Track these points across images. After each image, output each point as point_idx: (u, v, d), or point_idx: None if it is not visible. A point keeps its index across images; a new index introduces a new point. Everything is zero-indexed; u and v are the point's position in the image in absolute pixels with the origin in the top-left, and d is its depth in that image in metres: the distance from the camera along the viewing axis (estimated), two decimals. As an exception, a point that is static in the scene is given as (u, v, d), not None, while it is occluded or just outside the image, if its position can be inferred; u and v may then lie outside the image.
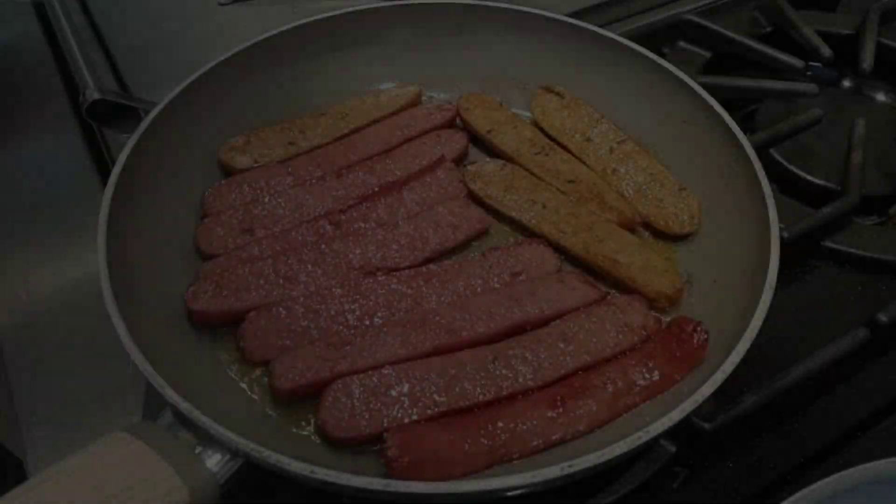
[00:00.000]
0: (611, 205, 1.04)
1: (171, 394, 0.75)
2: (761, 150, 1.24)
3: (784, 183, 1.27)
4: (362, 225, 1.02)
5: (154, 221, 0.99)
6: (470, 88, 1.23)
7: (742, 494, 0.90)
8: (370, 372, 0.86)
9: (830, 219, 1.10)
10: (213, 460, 0.73)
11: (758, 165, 0.96)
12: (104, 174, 1.21)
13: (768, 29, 1.47)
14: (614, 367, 0.88)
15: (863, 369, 1.01)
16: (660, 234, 1.04)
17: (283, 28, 1.15)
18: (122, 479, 0.68)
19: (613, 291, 0.98)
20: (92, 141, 1.29)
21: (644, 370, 0.87)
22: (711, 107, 1.04)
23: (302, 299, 0.93)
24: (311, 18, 1.17)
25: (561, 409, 0.84)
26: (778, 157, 1.27)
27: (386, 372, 0.85)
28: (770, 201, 0.92)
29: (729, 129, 1.01)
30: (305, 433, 0.85)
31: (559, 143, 1.13)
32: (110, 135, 1.27)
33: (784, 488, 0.90)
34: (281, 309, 0.92)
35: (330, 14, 1.18)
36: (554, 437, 0.83)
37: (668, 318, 0.95)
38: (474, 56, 1.23)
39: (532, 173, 1.09)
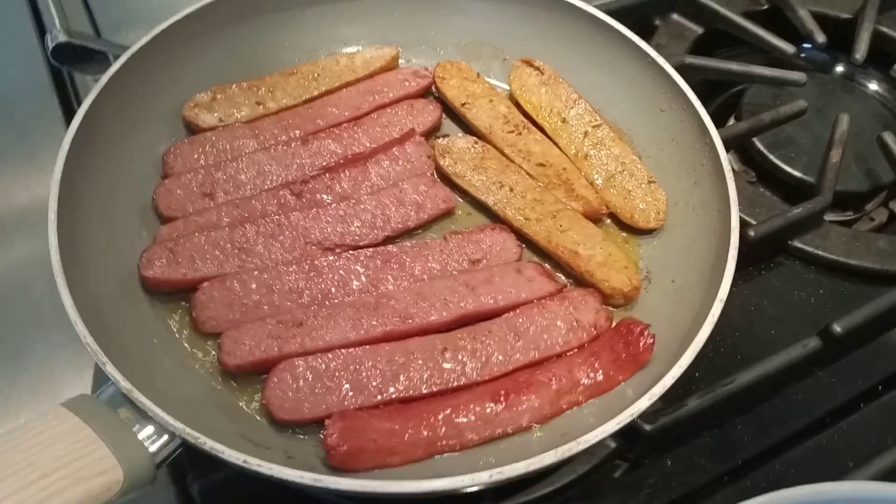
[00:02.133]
0: (578, 193, 1.03)
1: (111, 370, 0.75)
2: (743, 138, 1.23)
3: (763, 171, 1.25)
4: (324, 197, 1.00)
5: (113, 176, 0.97)
6: (450, 54, 1.20)
7: (678, 492, 0.92)
8: (318, 355, 0.86)
9: (799, 219, 1.09)
10: (151, 440, 0.74)
11: (727, 167, 0.95)
12: (69, 115, 1.18)
13: (765, 6, 1.42)
14: (560, 364, 0.88)
15: (810, 375, 1.02)
16: (625, 226, 1.03)
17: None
18: (57, 456, 0.69)
19: (570, 283, 0.98)
20: (60, 81, 1.26)
21: (589, 369, 0.87)
22: (689, 99, 1.01)
23: (256, 273, 0.92)
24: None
25: (504, 404, 0.85)
26: (760, 146, 1.25)
27: (333, 356, 0.86)
28: (734, 209, 0.91)
29: (703, 125, 0.99)
30: (250, 411, 0.86)
31: (534, 122, 1.11)
32: (79, 76, 1.24)
33: (719, 490, 0.93)
34: (234, 281, 0.91)
35: (308, -34, 1.13)
36: (495, 432, 0.84)
37: (626, 314, 0.95)
38: (457, 21, 1.19)
39: (503, 153, 1.07)
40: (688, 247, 0.97)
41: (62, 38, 1.12)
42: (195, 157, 1.03)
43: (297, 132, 1.06)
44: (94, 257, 0.89)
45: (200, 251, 0.93)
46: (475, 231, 0.99)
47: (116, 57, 1.03)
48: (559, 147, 1.08)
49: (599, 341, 0.90)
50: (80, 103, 0.97)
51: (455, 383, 0.86)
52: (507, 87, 1.16)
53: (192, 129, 1.07)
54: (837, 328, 0.98)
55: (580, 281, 0.97)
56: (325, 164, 1.03)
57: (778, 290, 1.10)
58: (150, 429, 0.74)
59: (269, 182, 1.01)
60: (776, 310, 1.08)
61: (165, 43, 1.04)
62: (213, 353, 0.89)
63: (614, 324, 0.93)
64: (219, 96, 1.08)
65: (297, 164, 1.03)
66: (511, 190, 1.02)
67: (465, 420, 0.83)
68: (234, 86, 1.09)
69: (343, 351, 0.86)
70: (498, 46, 1.19)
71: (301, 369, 0.85)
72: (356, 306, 0.90)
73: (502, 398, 0.85)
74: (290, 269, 0.93)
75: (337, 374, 0.85)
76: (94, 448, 0.71)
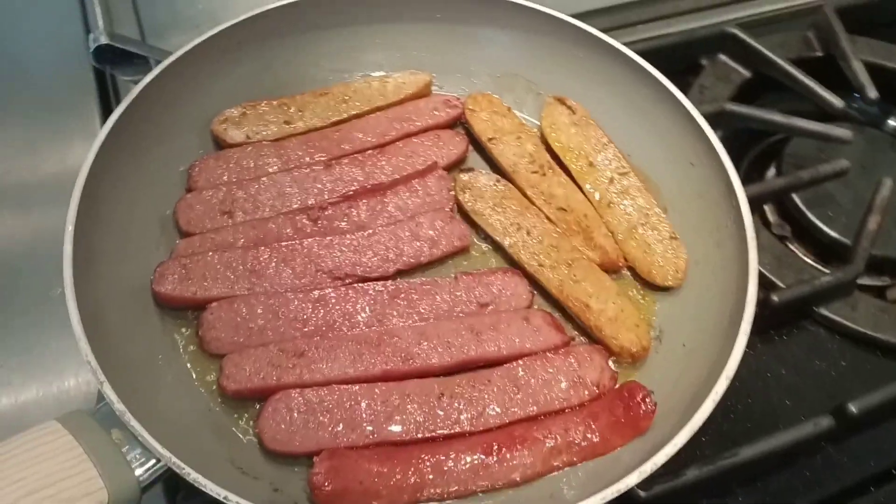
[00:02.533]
0: (597, 242, 1.01)
1: (108, 391, 0.76)
2: (780, 194, 1.19)
3: (799, 227, 1.21)
4: (340, 224, 1.00)
5: (137, 183, 0.98)
6: (484, 84, 1.18)
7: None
8: (315, 388, 0.86)
9: (827, 288, 1.05)
10: (139, 462, 0.76)
11: (751, 234, 0.91)
12: (107, 113, 1.21)
13: (818, 54, 1.37)
14: (557, 421, 0.87)
15: (821, 450, 0.98)
16: (643, 279, 1.01)
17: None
18: (46, 474, 0.71)
19: (578, 337, 0.96)
20: (101, 79, 1.28)
21: (586, 430, 0.86)
22: (719, 156, 0.98)
23: (264, 298, 0.93)
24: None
25: (496, 458, 0.84)
26: (797, 201, 1.21)
27: (329, 391, 0.86)
28: (753, 280, 0.88)
29: (731, 185, 0.96)
30: (244, 437, 0.87)
31: (560, 163, 1.09)
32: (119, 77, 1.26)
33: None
34: (242, 304, 0.92)
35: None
36: (482, 485, 0.83)
37: (633, 373, 0.93)
38: (492, 51, 1.18)
39: (524, 194, 1.05)
40: (703, 310, 0.94)
41: (104, 40, 1.15)
42: (219, 172, 1.04)
43: (322, 156, 1.07)
44: (107, 265, 0.90)
45: (213, 270, 0.94)
46: (487, 273, 0.98)
47: (157, 62, 1.05)
48: (583, 192, 1.06)
49: (600, 402, 0.88)
50: (118, 103, 1.00)
51: (448, 431, 0.85)
52: (538, 123, 1.15)
53: (220, 144, 1.08)
54: (853, 408, 0.95)
55: (589, 335, 0.96)
56: (345, 190, 1.03)
57: (797, 358, 1.06)
58: (139, 451, 0.76)
59: (287, 205, 1.02)
60: (793, 378, 1.04)
61: (203, 54, 1.05)
62: (215, 374, 0.90)
63: (619, 384, 0.91)
64: (248, 112, 1.09)
65: (317, 188, 1.03)
66: (528, 233, 1.01)
67: (453, 470, 0.83)
68: (264, 103, 1.10)
69: (340, 387, 0.86)
70: (532, 80, 1.17)
71: (296, 401, 0.85)
72: (359, 341, 0.90)
73: (494, 452, 0.84)
74: (298, 297, 0.93)
75: (331, 409, 0.85)
76: (82, 469, 0.72)
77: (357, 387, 0.87)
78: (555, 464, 0.84)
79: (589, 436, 0.85)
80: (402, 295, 0.95)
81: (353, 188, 1.04)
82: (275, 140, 1.08)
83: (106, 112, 1.24)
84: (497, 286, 0.97)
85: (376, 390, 0.87)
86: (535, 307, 0.98)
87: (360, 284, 0.95)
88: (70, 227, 0.86)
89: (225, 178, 1.04)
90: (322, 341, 0.90)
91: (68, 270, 0.83)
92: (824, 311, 1.07)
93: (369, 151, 1.08)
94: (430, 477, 0.82)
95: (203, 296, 0.93)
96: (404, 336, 0.91)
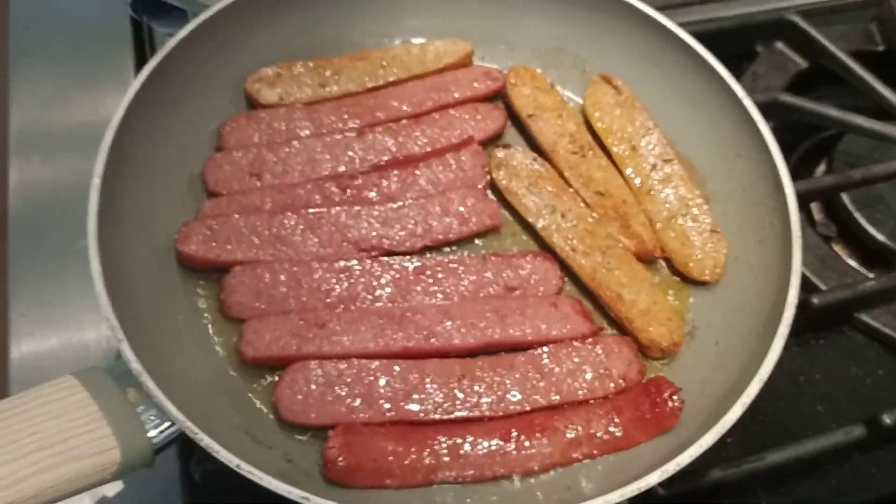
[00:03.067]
0: (634, 230, 0.97)
1: (126, 349, 0.75)
2: (828, 193, 1.14)
3: (845, 228, 1.16)
4: (370, 195, 0.98)
5: (167, 139, 0.96)
6: (527, 58, 1.14)
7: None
8: (334, 361, 0.84)
9: (871, 293, 1.00)
10: (153, 424, 0.74)
11: (797, 234, 0.87)
12: (140, 64, 1.19)
13: (880, 48, 1.30)
14: (580, 412, 0.84)
15: (850, 460, 0.95)
16: (678, 272, 0.97)
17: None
18: (59, 430, 0.70)
19: (607, 327, 0.93)
20: (138, 29, 1.26)
21: (609, 424, 0.83)
22: (769, 149, 0.93)
23: (288, 265, 0.91)
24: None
25: (514, 445, 0.82)
26: (845, 200, 1.16)
27: (349, 365, 0.84)
28: (794, 283, 0.84)
29: (780, 181, 0.92)
30: (259, 404, 0.86)
31: (601, 145, 1.05)
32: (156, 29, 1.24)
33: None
34: (265, 270, 0.90)
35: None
36: (498, 472, 0.81)
37: (662, 368, 0.90)
38: (538, 24, 1.13)
39: (562, 175, 1.01)
40: (739, 309, 0.91)
41: (140, -10, 1.12)
42: (250, 133, 1.01)
43: (355, 122, 1.04)
44: (132, 221, 0.88)
45: (238, 234, 0.92)
46: (517, 256, 0.95)
47: (194, 15, 1.03)
48: (623, 177, 1.02)
49: (625, 396, 0.85)
50: (153, 55, 0.98)
51: (467, 414, 0.83)
52: (581, 102, 1.10)
53: (253, 104, 1.05)
54: (888, 419, 0.91)
55: (619, 326, 0.93)
56: (376, 160, 1.01)
57: (834, 364, 1.02)
58: (154, 413, 0.75)
59: (317, 171, 0.99)
60: (827, 385, 1.00)
61: (241, 10, 1.02)
62: (235, 339, 0.88)
63: (646, 378, 0.88)
64: (283, 73, 1.06)
65: (348, 156, 1.00)
66: (563, 216, 0.97)
67: (470, 454, 0.81)
68: (299, 64, 1.07)
69: (359, 362, 0.85)
70: (579, 56, 1.13)
71: (315, 373, 0.83)
72: (381, 315, 0.88)
73: (513, 439, 0.82)
74: (322, 266, 0.91)
75: (350, 384, 0.83)
76: (95, 427, 0.71)
77: (377, 362, 0.85)
78: (574, 455, 0.82)
79: (612, 429, 0.83)
80: (428, 272, 0.92)
81: (385, 158, 1.01)
82: (308, 103, 1.05)
83: (140, 64, 1.21)
84: (527, 270, 0.94)
85: (396, 367, 0.85)
86: (565, 294, 0.94)
87: (386, 258, 0.93)
88: (97, 180, 0.84)
89: (256, 139, 1.01)
90: (344, 313, 0.88)
91: (92, 224, 0.82)
92: (865, 318, 1.03)
93: (404, 121, 1.04)
94: (446, 459, 0.80)
95: (226, 258, 0.91)
96: (428, 314, 0.89)
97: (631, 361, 0.88)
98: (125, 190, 0.88)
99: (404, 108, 1.05)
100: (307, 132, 1.02)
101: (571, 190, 1.00)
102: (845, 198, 1.16)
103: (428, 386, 0.84)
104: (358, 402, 0.83)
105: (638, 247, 0.96)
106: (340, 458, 0.78)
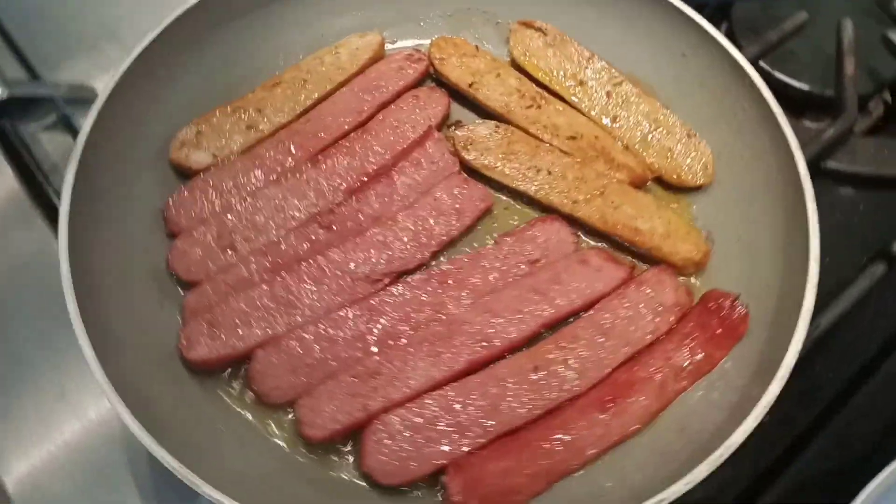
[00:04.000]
0: (619, 162, 0.96)
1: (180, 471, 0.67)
2: (755, 63, 1.17)
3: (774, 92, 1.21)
4: (355, 222, 0.91)
5: (117, 242, 0.86)
6: (437, 28, 1.09)
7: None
8: (410, 406, 0.79)
9: (835, 141, 1.06)
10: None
11: (777, 108, 0.89)
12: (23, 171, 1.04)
13: None
14: (655, 354, 0.84)
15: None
16: (670, 186, 0.98)
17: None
18: None
19: (637, 263, 0.93)
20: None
21: (687, 353, 0.84)
22: (717, 41, 0.95)
23: (311, 327, 0.83)
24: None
25: (613, 411, 0.81)
26: (763, 65, 1.20)
27: (426, 403, 0.79)
28: (797, 152, 0.86)
29: (739, 67, 0.93)
30: (346, 476, 0.79)
31: (549, 90, 1.02)
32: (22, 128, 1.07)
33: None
34: (290, 342, 0.83)
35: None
36: (611, 441, 0.80)
37: (698, 283, 0.91)
38: (436, -13, 1.08)
39: (528, 132, 0.98)
40: (746, 200, 0.92)
41: (2, 94, 0.96)
42: (198, 206, 0.91)
43: (302, 152, 0.95)
44: (122, 343, 0.79)
45: (242, 316, 0.83)
46: (526, 228, 0.92)
47: (67, 100, 0.90)
48: (583, 114, 1.00)
49: (689, 321, 0.85)
50: (29, 154, 0.85)
51: (556, 402, 0.81)
52: (507, 56, 1.07)
53: (185, 174, 0.94)
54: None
55: (643, 257, 0.92)
56: (343, 184, 0.93)
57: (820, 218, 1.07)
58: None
59: (290, 218, 0.91)
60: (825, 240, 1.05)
61: (135, 80, 0.90)
62: (287, 423, 0.81)
63: (696, 296, 0.89)
64: (204, 128, 0.95)
65: (314, 190, 0.92)
66: (549, 173, 0.95)
67: (579, 439, 0.79)
68: (217, 112, 0.97)
69: (435, 394, 0.80)
70: (488, 11, 1.09)
71: (396, 426, 0.78)
72: (430, 340, 0.83)
73: (610, 405, 0.81)
74: (347, 314, 0.84)
75: (435, 421, 0.78)
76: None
77: (450, 388, 0.80)
78: (670, 395, 0.82)
79: (693, 357, 0.83)
80: (451, 277, 0.88)
81: (352, 178, 0.94)
82: (244, 150, 0.95)
83: (21, 170, 1.05)
84: (541, 238, 0.91)
85: (470, 386, 0.81)
86: (584, 247, 0.93)
87: (406, 281, 0.87)
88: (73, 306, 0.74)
89: (208, 209, 0.91)
90: (392, 353, 0.82)
91: (94, 364, 0.72)
92: (832, 165, 1.08)
93: (352, 135, 0.97)
94: (560, 454, 0.78)
95: (242, 348, 0.82)
96: (472, 319, 0.85)
97: (676, 287, 0.88)
98: (104, 315, 0.78)
99: (344, 120, 0.98)
100: (260, 181, 0.93)
101: (544, 144, 0.98)
102: (763, 63, 1.20)
103: (508, 392, 0.80)
104: (451, 434, 0.78)
105: (630, 175, 0.96)
106: (469, 499, 0.73)
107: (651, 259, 0.92)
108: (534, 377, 0.81)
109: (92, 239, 0.82)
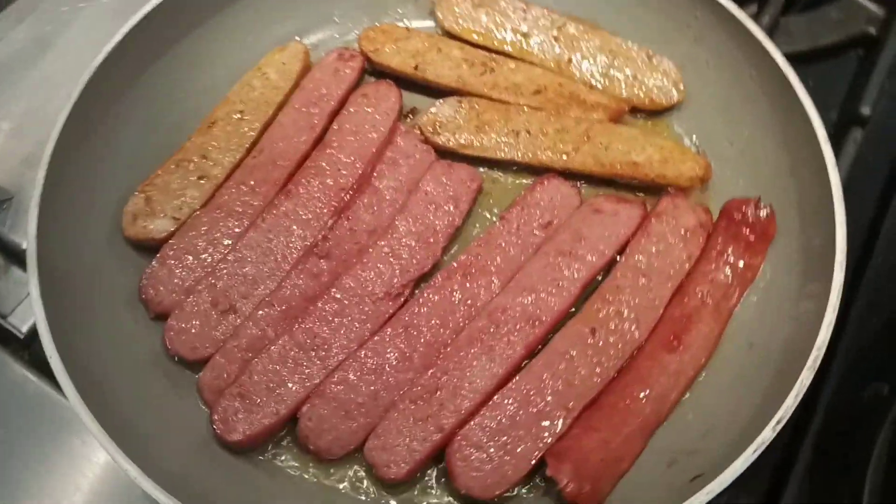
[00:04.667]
0: (591, 102, 0.93)
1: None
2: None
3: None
4: (354, 243, 0.84)
5: (104, 338, 0.77)
6: (353, 18, 1.02)
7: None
8: (483, 412, 0.74)
9: (771, 26, 1.06)
10: None
11: (733, 6, 0.88)
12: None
13: None
14: (699, 279, 0.82)
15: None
16: (646, 113, 0.95)
17: (118, 38, 0.85)
18: None
19: (642, 195, 0.90)
20: None
21: (727, 268, 0.82)
22: (650, -46, 0.93)
23: (350, 363, 0.76)
24: (139, 17, 0.87)
25: (679, 348, 0.78)
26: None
27: (500, 402, 0.74)
28: (768, 44, 0.85)
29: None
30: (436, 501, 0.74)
31: (495, 51, 0.98)
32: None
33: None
34: (334, 387, 0.75)
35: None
36: (688, 378, 0.77)
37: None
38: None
39: (491, 99, 0.94)
40: (723, 104, 0.92)
41: None
42: (177, 278, 0.81)
43: (266, 187, 0.87)
44: (150, 438, 0.71)
45: (273, 376, 0.75)
46: (526, 195, 0.87)
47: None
48: (538, 65, 0.96)
49: (718, 238, 0.83)
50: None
51: (622, 357, 0.77)
52: (434, 28, 1.01)
53: (150, 246, 0.84)
54: (866, 110, 0.98)
55: (647, 189, 0.90)
56: (325, 207, 0.86)
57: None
58: None
59: (283, 258, 0.83)
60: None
61: (61, 167, 0.79)
62: (351, 473, 0.75)
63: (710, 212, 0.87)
64: (152, 193, 0.85)
65: (297, 222, 0.84)
66: (529, 133, 0.90)
67: (657, 386, 0.76)
68: (159, 173, 0.87)
69: (505, 390, 0.75)
70: (399, -16, 1.03)
71: (478, 435, 0.72)
72: (478, 338, 0.78)
73: (675, 343, 0.78)
74: (384, 341, 0.78)
75: (515, 417, 0.73)
76: None
77: (522, 383, 0.75)
78: (725, 314, 0.80)
79: (734, 270, 0.82)
80: (471, 268, 0.82)
81: (333, 198, 0.86)
82: (205, 203, 0.86)
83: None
84: (544, 200, 0.87)
85: (537, 372, 0.76)
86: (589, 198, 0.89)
87: (426, 285, 0.81)
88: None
89: (191, 276, 0.82)
90: (446, 364, 0.76)
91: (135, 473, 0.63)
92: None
93: (313, 153, 0.89)
94: (647, 408, 0.75)
95: (287, 408, 0.75)
96: (511, 303, 0.80)
97: (693, 208, 0.86)
98: (121, 418, 0.69)
99: (301, 140, 0.90)
100: (234, 231, 0.84)
101: (512, 105, 0.93)
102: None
103: (578, 366, 0.76)
104: (537, 427, 0.73)
105: (606, 113, 0.93)
106: (582, 485, 0.69)
107: (655, 189, 0.89)
108: (593, 340, 0.78)
109: (78, 344, 0.72)
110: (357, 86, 0.96)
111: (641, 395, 0.75)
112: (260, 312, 0.79)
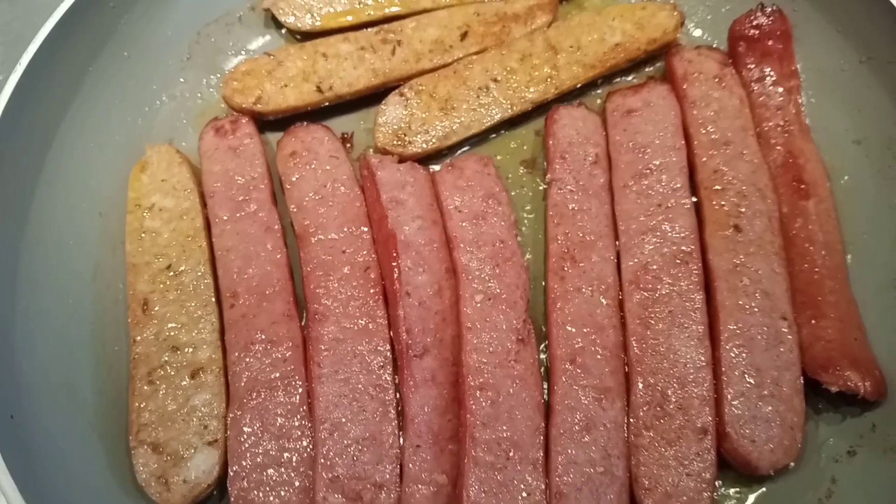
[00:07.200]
0: (520, 9, 0.78)
1: None
2: None
3: None
4: (436, 314, 0.63)
5: None
6: (190, 81, 0.77)
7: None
8: (726, 389, 0.60)
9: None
10: None
11: None
12: None
13: None
14: (764, 112, 0.73)
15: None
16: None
17: None
18: None
19: (641, 73, 0.78)
20: None
21: (778, 87, 0.74)
22: None
23: (567, 447, 0.58)
24: None
25: (804, 189, 0.69)
26: None
27: (730, 361, 0.61)
28: None
29: None
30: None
31: (380, 21, 0.78)
32: None
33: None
34: (559, 479, 0.57)
35: None
36: (834, 219, 0.69)
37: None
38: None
39: (424, 72, 0.75)
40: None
41: None
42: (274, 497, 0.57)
43: (281, 330, 0.63)
44: None
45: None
46: (551, 142, 0.72)
47: None
48: (435, 7, 0.79)
49: (746, 65, 0.75)
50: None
51: (776, 231, 0.67)
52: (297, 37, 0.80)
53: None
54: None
55: (645, 63, 0.79)
56: (368, 299, 0.64)
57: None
58: None
59: (375, 391, 0.60)
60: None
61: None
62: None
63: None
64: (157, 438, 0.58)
65: (353, 339, 0.62)
66: (496, 80, 0.74)
67: (825, 246, 0.68)
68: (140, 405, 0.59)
69: (729, 348, 0.61)
70: (218, 19, 0.79)
71: (743, 409, 0.59)
72: (647, 316, 0.63)
73: (798, 185, 0.70)
74: (568, 406, 0.60)
75: (755, 365, 0.61)
76: None
77: (730, 326, 0.62)
78: (806, 128, 0.73)
79: (782, 84, 0.75)
80: (570, 252, 0.66)
81: (370, 286, 0.65)
82: (227, 402, 0.60)
83: None
84: (571, 136, 0.72)
85: (730, 305, 0.63)
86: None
87: (464, 309, 0.64)
88: None
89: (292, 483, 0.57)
90: (650, 365, 0.61)
91: None
92: None
93: (301, 256, 0.66)
94: (830, 275, 0.66)
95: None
96: (641, 258, 0.66)
97: (702, 52, 0.75)
98: None
99: (267, 256, 0.66)
100: (292, 400, 0.60)
101: (451, 65, 0.75)
102: None
103: (753, 266, 0.64)
104: (778, 352, 0.61)
105: (544, 10, 0.78)
106: (873, 374, 0.59)
107: (653, 59, 0.79)
108: (743, 236, 0.66)
109: None
110: (256, 140, 0.72)
111: (820, 260, 0.66)
112: (410, 466, 0.58)
